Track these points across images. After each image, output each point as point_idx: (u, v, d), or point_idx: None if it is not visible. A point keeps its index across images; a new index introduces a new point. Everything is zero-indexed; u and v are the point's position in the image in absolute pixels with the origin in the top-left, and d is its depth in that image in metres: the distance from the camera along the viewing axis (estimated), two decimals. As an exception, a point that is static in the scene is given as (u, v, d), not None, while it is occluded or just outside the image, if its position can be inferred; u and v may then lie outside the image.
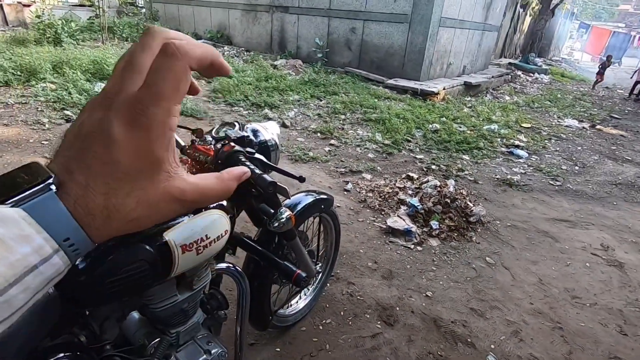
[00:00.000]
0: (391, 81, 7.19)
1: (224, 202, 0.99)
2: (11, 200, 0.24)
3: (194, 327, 1.11)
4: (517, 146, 4.93)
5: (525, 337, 1.89)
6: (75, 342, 0.83)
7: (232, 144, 0.94)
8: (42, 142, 3.48)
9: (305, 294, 1.89)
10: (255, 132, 1.22)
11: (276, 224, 1.16)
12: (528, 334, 1.91)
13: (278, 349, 1.67)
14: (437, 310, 1.99)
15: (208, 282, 1.10)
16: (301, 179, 0.97)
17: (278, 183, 1.08)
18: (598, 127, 6.55)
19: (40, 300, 0.26)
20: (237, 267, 1.23)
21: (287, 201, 1.58)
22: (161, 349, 0.99)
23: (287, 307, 1.78)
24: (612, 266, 2.60)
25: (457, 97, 7.31)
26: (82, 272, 0.69)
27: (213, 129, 1.17)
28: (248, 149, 0.99)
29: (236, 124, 1.15)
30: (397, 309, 1.97)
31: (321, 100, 6.00)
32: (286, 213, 1.17)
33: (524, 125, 6.04)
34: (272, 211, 1.18)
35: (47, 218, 0.24)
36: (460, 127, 5.36)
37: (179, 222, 0.88)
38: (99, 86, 4.91)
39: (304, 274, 1.16)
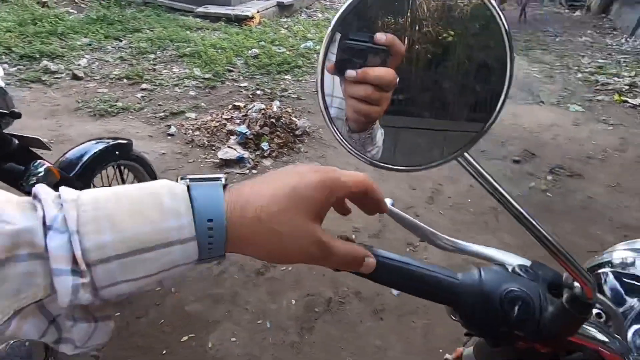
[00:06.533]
0: (201, 9, 6.53)
1: None
2: (190, 179, 0.30)
3: None
4: (331, 59, 5.34)
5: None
6: None
7: None
8: None
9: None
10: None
11: (33, 180, 0.96)
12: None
13: (117, 314, 1.56)
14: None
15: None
16: (14, 115, 0.79)
17: (22, 134, 0.87)
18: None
19: None
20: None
21: (69, 154, 1.33)
22: None
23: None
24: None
25: (273, 19, 7.23)
26: None
27: None
28: None
29: None
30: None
31: (121, 41, 5.06)
32: (43, 166, 0.98)
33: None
34: (23, 168, 0.97)
35: (203, 199, 0.29)
36: (280, 48, 5.41)
37: None
38: None
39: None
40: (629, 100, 4.29)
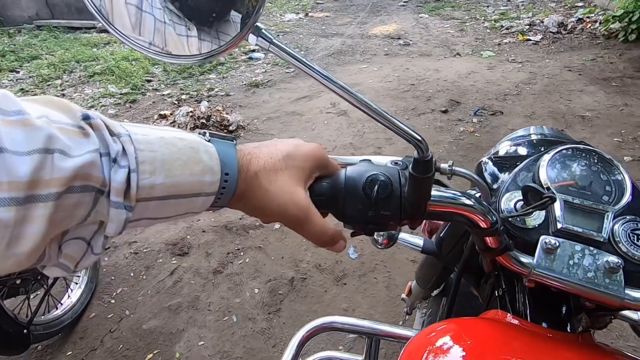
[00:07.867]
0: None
1: None
2: (210, 134, 0.34)
3: None
4: (253, 50, 5.24)
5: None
6: None
7: None
8: None
9: (76, 283, 1.62)
10: None
11: None
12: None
13: (69, 353, 1.44)
14: (225, 217, 2.11)
15: None
16: None
17: None
18: (310, 14, 7.61)
19: None
20: None
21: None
22: None
23: (54, 310, 1.49)
24: (340, 116, 3.29)
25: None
26: None
27: None
28: None
29: None
30: (188, 237, 1.97)
31: (18, 72, 4.58)
32: None
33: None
34: None
35: (224, 156, 0.32)
36: (198, 49, 5.19)
37: None
38: None
39: None
40: (531, 37, 4.68)
